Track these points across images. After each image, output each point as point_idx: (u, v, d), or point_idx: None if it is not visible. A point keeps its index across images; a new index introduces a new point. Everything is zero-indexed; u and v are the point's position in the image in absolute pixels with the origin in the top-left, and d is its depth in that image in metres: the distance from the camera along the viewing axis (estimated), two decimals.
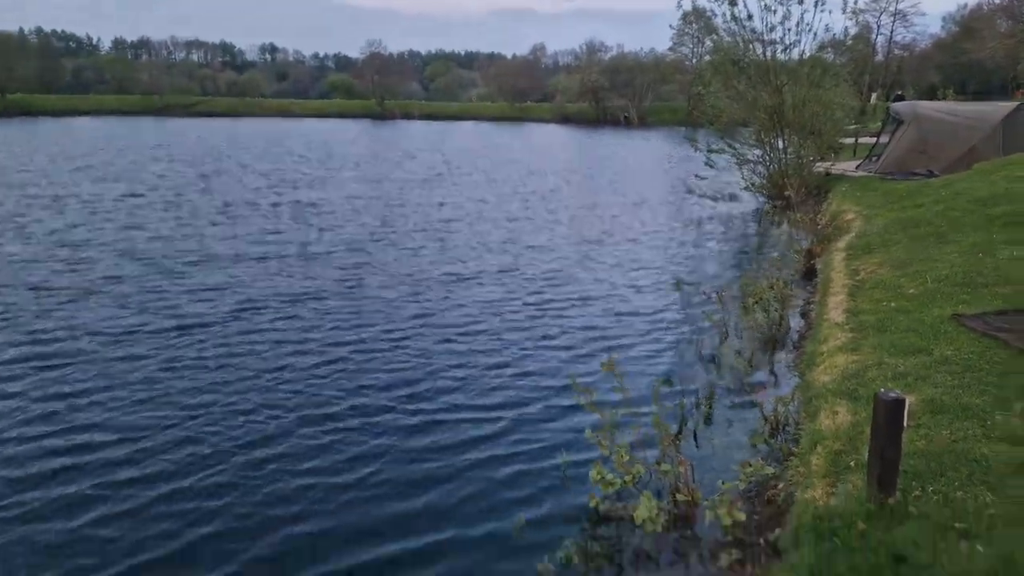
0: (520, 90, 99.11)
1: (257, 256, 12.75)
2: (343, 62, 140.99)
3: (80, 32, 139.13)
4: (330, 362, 7.82)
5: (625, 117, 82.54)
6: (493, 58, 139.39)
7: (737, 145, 19.50)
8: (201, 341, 8.35)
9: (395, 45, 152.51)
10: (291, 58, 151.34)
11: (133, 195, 20.03)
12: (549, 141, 51.03)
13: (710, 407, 6.70)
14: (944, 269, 7.92)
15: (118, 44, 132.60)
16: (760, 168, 19.42)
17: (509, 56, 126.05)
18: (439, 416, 6.56)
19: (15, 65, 76.98)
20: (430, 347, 8.40)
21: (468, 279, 11.66)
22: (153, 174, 25.02)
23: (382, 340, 8.53)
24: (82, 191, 20.40)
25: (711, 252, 14.37)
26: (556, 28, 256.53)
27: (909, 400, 3.95)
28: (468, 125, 76.02)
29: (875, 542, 3.41)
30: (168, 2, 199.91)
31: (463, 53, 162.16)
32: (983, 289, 7.13)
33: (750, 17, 17.90)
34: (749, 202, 19.49)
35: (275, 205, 18.89)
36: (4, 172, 24.46)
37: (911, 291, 7.55)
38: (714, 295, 10.06)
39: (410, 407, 6.74)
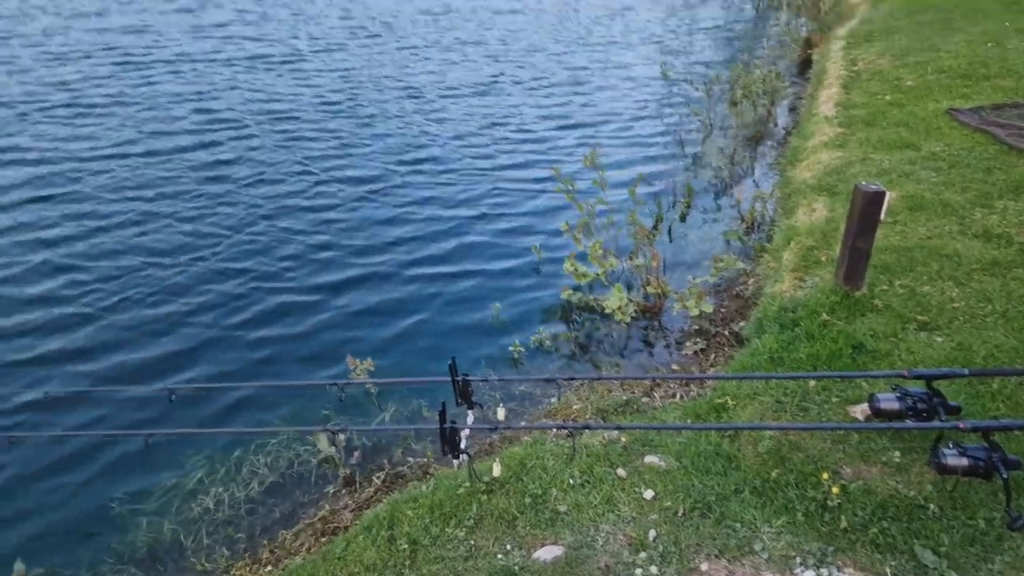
0: None
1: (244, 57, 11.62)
2: None
3: None
4: (325, 155, 7.50)
5: None
6: None
7: None
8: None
9: None
10: None
11: None
12: None
13: (688, 204, 6.62)
14: (947, 60, 7.46)
15: None
16: None
17: None
18: (417, 206, 6.45)
19: None
20: (412, 142, 8.03)
21: (443, 73, 10.90)
22: None
23: (354, 145, 8.06)
24: None
25: (701, 39, 13.40)
26: None
27: (890, 195, 3.85)
28: None
29: (836, 331, 3.50)
30: None
31: None
32: (984, 82, 6.77)
33: None
34: None
35: None
36: None
37: (909, 83, 7.16)
38: (702, 86, 9.53)
39: (391, 198, 6.60)
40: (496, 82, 10.03)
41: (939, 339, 3.32)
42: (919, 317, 3.50)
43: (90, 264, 5.29)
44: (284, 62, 10.54)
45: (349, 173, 7.02)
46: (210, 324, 4.67)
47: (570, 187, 5.30)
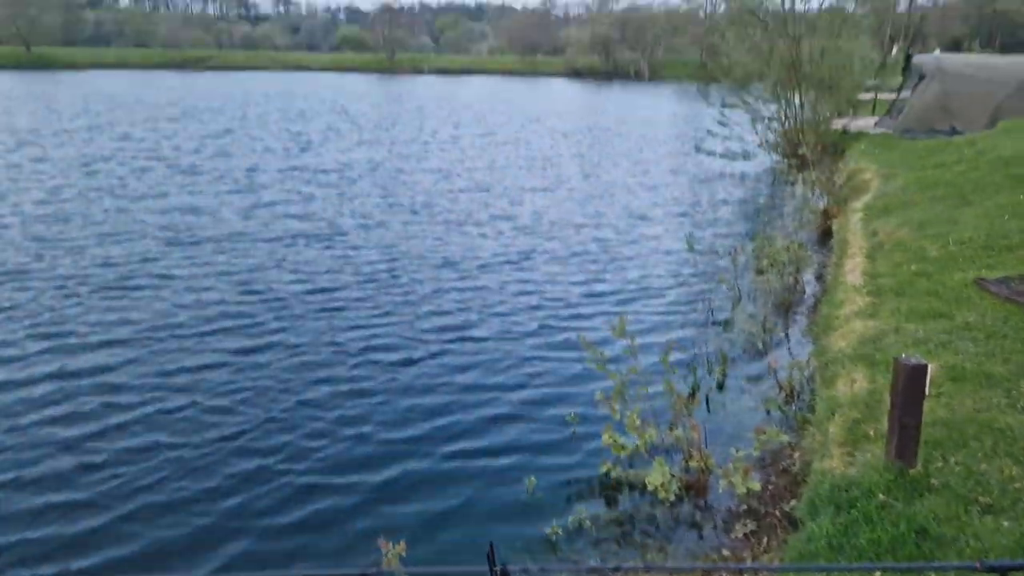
0: (530, 43, 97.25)
1: (269, 238, 12.52)
2: (354, 14, 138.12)
3: None
4: (353, 329, 7.78)
5: (635, 71, 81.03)
6: (503, 10, 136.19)
7: (751, 100, 18.92)
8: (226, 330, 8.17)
9: None
10: (304, 11, 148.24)
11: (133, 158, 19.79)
12: (559, 97, 49.97)
13: (723, 372, 6.61)
14: (966, 232, 7.69)
15: None
16: (775, 125, 18.90)
17: (519, 8, 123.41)
18: (452, 380, 6.53)
19: (40, 16, 76.17)
20: (448, 317, 8.30)
21: (478, 248, 11.52)
22: (159, 135, 24.71)
23: (393, 322, 8.30)
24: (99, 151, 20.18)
25: (722, 212, 14.11)
26: None
27: (931, 367, 3.83)
28: (478, 80, 74.51)
29: (895, 514, 3.33)
30: None
31: (473, 5, 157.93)
32: (1007, 253, 6.92)
33: None
34: (763, 160, 19.05)
35: (283, 171, 18.65)
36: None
37: (932, 254, 7.34)
38: (727, 256, 9.88)
39: (426, 373, 6.71)
40: (529, 256, 10.51)
41: (1006, 523, 3.13)
42: (981, 498, 3.33)
43: (114, 450, 5.24)
44: (326, 238, 11.21)
45: (386, 352, 7.12)
46: (234, 509, 4.58)
47: (600, 356, 5.36)
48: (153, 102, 35.90)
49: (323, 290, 8.88)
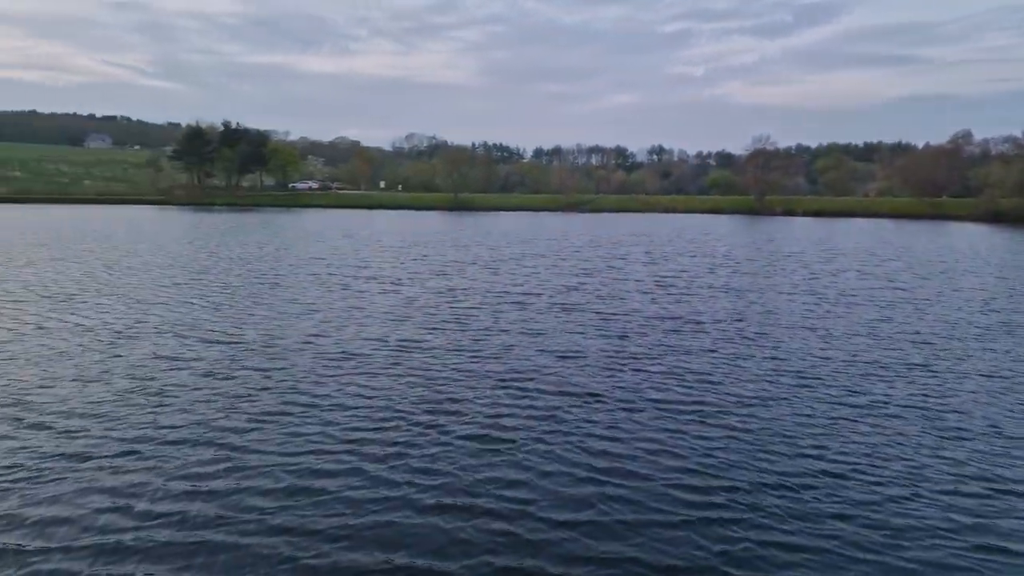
0: (934, 183, 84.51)
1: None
2: (725, 159, 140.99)
3: (512, 144, 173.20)
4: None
5: None
6: (899, 149, 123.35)
7: None
8: None
9: (782, 140, 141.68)
10: (675, 158, 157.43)
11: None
12: (980, 246, 40.17)
13: None
14: None
15: (537, 152, 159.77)
16: None
17: (920, 146, 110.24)
18: None
19: (468, 172, 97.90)
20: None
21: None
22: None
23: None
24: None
25: None
26: (984, 114, 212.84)
27: None
28: (860, 223, 66.15)
29: None
30: (574, 119, 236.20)
31: (861, 145, 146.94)
32: None
33: None
34: None
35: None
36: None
37: None
38: None
39: None
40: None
41: None
42: None
43: None
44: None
45: None
46: None
47: None
48: (543, 237, 39.14)
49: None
